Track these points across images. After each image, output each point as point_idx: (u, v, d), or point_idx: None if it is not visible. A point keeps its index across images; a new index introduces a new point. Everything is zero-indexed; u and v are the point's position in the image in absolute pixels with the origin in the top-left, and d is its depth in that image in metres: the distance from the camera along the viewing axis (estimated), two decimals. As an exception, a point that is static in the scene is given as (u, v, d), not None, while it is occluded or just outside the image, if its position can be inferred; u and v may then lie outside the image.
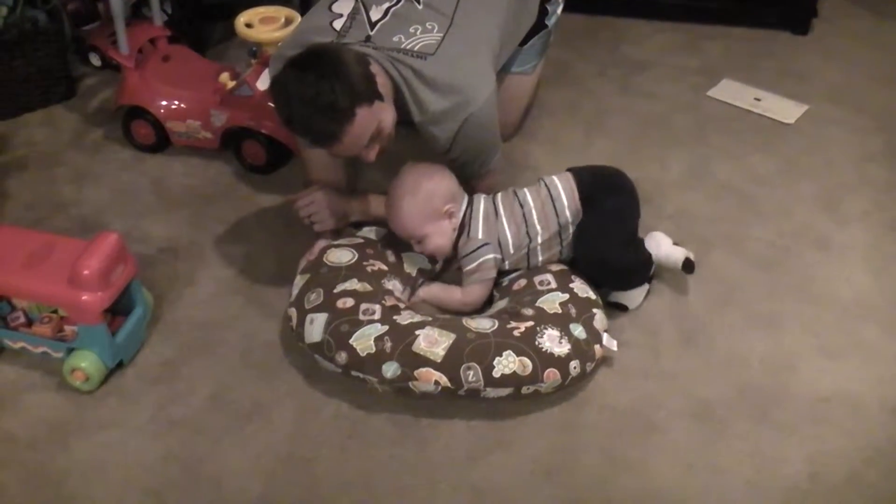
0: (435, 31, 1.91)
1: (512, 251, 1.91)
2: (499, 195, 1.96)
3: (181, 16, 2.84)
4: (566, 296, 1.84)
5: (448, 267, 2.05)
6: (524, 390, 1.70)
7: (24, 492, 1.63)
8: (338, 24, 1.94)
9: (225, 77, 2.36)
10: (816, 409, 1.77)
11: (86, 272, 1.72)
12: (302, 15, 2.21)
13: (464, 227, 1.92)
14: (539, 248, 1.92)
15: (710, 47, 2.97)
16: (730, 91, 2.74)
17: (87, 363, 1.77)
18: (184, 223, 2.23)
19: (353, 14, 1.96)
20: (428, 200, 1.87)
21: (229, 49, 2.91)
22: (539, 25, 2.28)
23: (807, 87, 2.76)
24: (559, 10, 2.32)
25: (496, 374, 1.68)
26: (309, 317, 1.79)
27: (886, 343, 1.92)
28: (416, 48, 1.88)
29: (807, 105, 2.67)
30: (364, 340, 1.71)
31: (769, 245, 2.17)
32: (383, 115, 1.81)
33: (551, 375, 1.70)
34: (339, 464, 1.67)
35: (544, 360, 1.70)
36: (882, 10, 3.19)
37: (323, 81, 1.71)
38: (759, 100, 2.69)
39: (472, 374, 1.68)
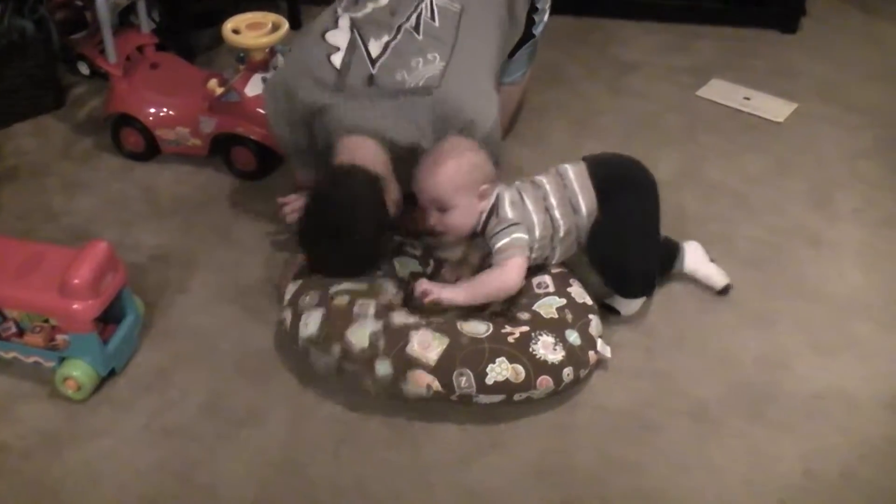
0: (437, 60, 1.89)
1: (538, 236, 1.83)
2: (519, 185, 1.89)
3: (169, 23, 2.84)
4: (563, 300, 1.83)
5: (439, 270, 2.04)
6: (516, 397, 1.70)
7: (19, 502, 1.62)
8: (336, 60, 1.89)
9: (213, 84, 2.35)
10: (810, 406, 1.77)
11: (76, 281, 1.71)
12: (289, 21, 2.21)
13: (492, 211, 1.84)
14: (560, 242, 1.87)
15: (699, 47, 2.98)
16: (719, 90, 2.75)
17: (79, 372, 1.76)
18: (174, 231, 2.22)
19: (351, 48, 1.91)
20: (471, 171, 1.80)
21: (217, 56, 2.91)
22: (526, 35, 2.27)
23: (796, 85, 2.77)
24: (545, 18, 2.31)
25: (489, 381, 1.67)
26: (304, 315, 1.78)
27: (879, 339, 1.92)
28: (420, 84, 1.86)
29: (796, 103, 2.67)
30: (359, 335, 1.71)
31: (761, 243, 2.17)
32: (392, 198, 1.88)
33: (544, 383, 1.70)
34: (334, 468, 1.67)
35: (538, 367, 1.69)
36: (870, 7, 3.21)
37: (348, 245, 1.80)
38: (748, 99, 2.70)
39: (464, 381, 1.67)
